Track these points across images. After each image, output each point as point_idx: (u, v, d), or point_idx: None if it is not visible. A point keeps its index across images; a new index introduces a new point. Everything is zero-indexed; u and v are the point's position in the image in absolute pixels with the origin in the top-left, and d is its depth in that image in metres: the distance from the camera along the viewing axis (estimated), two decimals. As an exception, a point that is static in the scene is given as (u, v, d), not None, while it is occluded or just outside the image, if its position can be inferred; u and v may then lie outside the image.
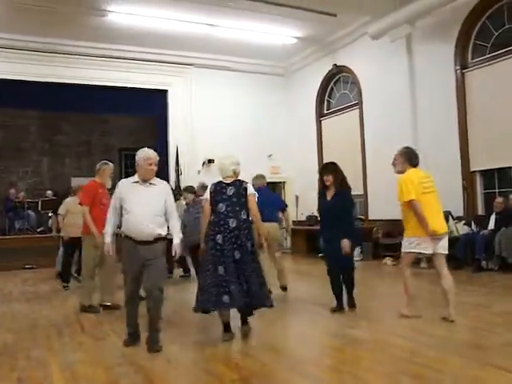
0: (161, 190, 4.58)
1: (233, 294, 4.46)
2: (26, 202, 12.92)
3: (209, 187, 4.91)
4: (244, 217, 4.70)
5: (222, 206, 4.69)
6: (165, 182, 4.79)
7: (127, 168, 16.33)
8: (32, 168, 16.18)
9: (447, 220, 9.28)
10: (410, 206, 5.09)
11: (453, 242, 8.88)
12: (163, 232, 4.50)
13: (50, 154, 16.43)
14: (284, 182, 14.60)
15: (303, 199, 13.34)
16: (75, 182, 15.24)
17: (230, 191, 4.73)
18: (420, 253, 5.28)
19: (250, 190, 4.77)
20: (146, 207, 4.40)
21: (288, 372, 3.75)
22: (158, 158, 4.56)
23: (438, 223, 5.10)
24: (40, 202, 12.81)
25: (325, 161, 10.65)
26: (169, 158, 13.28)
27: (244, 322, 4.80)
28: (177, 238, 4.52)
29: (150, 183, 4.53)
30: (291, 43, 12.52)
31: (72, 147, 16.66)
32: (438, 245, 5.09)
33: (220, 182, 4.83)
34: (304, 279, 8.84)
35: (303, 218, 13.12)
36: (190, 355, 4.30)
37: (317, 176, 6.00)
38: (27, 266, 11.11)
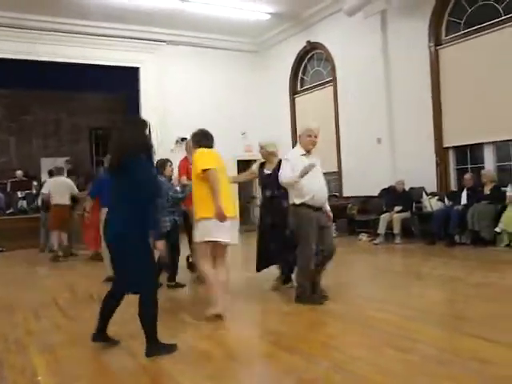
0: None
1: None
2: (-7, 184, 12.57)
3: None
4: None
5: None
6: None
7: (98, 147, 15.90)
8: (-1, 148, 15.71)
9: (421, 196, 9.51)
10: None
11: (427, 217, 9.14)
12: None
13: (17, 133, 15.94)
14: (257, 160, 14.51)
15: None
16: (45, 162, 14.85)
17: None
18: None
19: None
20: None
21: (274, 347, 3.75)
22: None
23: None
24: (9, 183, 12.47)
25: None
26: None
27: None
28: None
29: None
30: (265, 19, 12.35)
31: (40, 127, 16.20)
32: None
33: None
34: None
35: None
36: (172, 334, 4.26)
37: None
38: (-3, 249, 10.81)
